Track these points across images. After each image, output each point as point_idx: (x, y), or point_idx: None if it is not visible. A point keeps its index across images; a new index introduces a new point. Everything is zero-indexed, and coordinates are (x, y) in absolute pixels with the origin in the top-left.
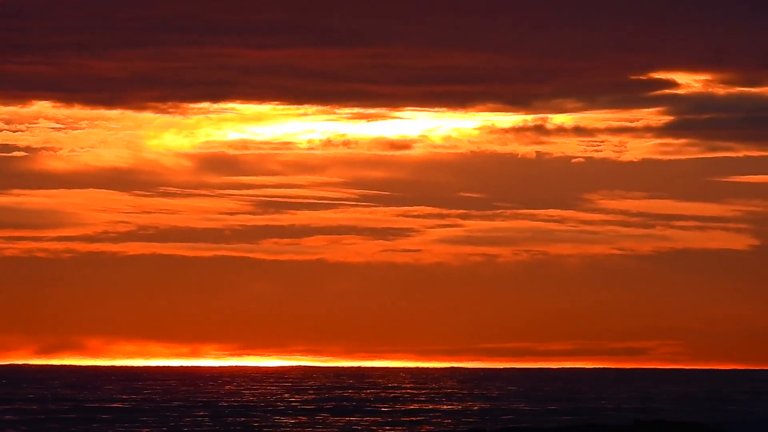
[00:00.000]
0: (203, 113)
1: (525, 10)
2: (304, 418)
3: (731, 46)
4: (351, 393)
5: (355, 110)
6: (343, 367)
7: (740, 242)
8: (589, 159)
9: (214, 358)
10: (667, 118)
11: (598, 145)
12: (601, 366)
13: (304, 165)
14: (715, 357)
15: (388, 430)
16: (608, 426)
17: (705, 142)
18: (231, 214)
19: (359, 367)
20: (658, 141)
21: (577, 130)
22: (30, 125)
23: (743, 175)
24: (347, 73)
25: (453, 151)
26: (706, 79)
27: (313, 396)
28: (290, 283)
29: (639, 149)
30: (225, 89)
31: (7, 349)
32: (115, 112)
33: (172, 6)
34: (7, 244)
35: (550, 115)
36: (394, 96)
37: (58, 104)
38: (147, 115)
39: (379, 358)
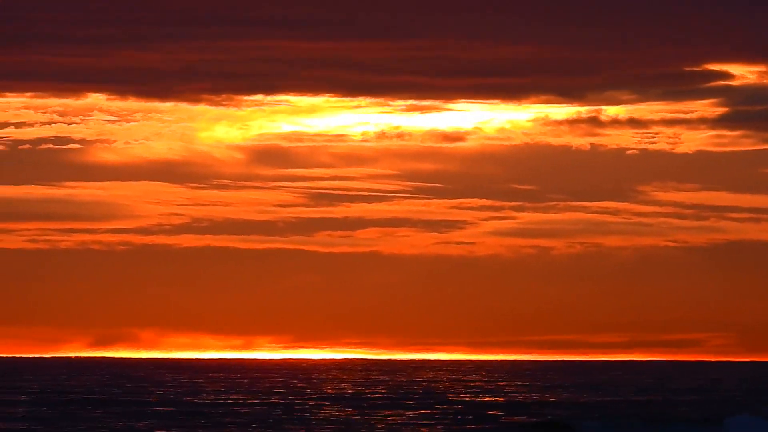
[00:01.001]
0: (257, 105)
1: (577, 1)
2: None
3: None
4: (434, 385)
5: (409, 102)
6: (395, 360)
7: None
8: (643, 151)
9: (267, 350)
10: (722, 110)
11: (653, 137)
12: (653, 358)
13: (357, 157)
14: None
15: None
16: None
17: (759, 133)
18: (285, 206)
19: (412, 360)
20: (713, 133)
21: (631, 122)
22: (84, 117)
23: None
24: (401, 65)
25: (506, 143)
26: (760, 71)
27: (396, 388)
28: (344, 275)
29: (693, 141)
30: (278, 81)
31: (62, 341)
32: (168, 105)
33: None
34: (61, 236)
35: (604, 107)
36: (447, 88)
37: (112, 96)
38: (201, 108)
39: (432, 350)
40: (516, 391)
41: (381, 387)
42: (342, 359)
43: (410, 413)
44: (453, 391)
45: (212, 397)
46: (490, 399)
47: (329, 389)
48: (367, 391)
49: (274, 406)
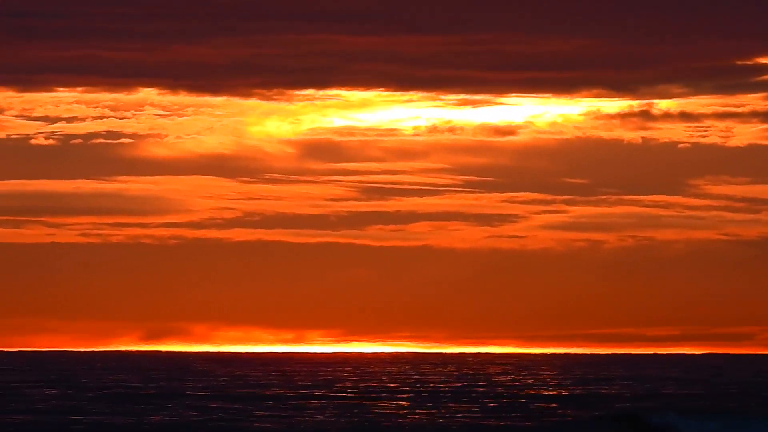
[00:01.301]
0: (308, 100)
1: None
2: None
3: None
4: (505, 379)
5: (461, 96)
6: (446, 354)
7: None
8: (695, 144)
9: (318, 344)
10: None
11: (704, 131)
12: (705, 351)
13: (409, 151)
14: None
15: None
16: None
17: None
18: (336, 200)
19: (463, 354)
20: (765, 126)
21: (683, 116)
22: (136, 112)
23: None
24: (452, 59)
25: (558, 136)
26: None
27: (468, 381)
28: (395, 269)
29: (745, 134)
30: (329, 76)
31: (113, 335)
32: (220, 99)
33: None
34: (113, 230)
35: (655, 101)
36: (499, 82)
37: (163, 91)
38: (252, 102)
39: (483, 344)
40: (579, 383)
41: (451, 380)
42: (393, 353)
43: (490, 405)
44: (521, 384)
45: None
46: (563, 393)
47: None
48: (445, 386)
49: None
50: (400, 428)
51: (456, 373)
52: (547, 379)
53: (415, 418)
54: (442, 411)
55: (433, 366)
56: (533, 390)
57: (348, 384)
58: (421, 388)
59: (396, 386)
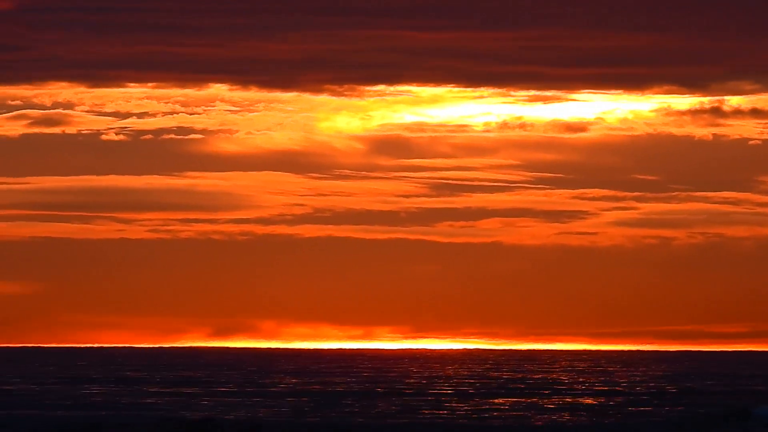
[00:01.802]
0: (379, 96)
1: None
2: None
3: None
4: (591, 376)
5: (531, 93)
6: (515, 350)
7: None
8: (765, 141)
9: (386, 340)
10: None
11: None
12: None
13: (479, 147)
14: None
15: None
16: None
17: None
18: (406, 196)
19: (532, 350)
20: None
21: (753, 112)
22: (207, 108)
23: None
24: (523, 55)
25: (629, 133)
26: None
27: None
28: (465, 265)
29: None
30: (400, 72)
31: (183, 331)
32: (290, 95)
33: None
34: (182, 226)
35: (726, 97)
36: (570, 78)
37: (234, 87)
38: (322, 98)
39: (552, 341)
40: (669, 380)
41: (535, 377)
42: (461, 349)
43: (593, 402)
44: (610, 380)
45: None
46: (668, 389)
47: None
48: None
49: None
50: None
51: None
52: (637, 377)
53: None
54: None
55: (530, 363)
56: (638, 387)
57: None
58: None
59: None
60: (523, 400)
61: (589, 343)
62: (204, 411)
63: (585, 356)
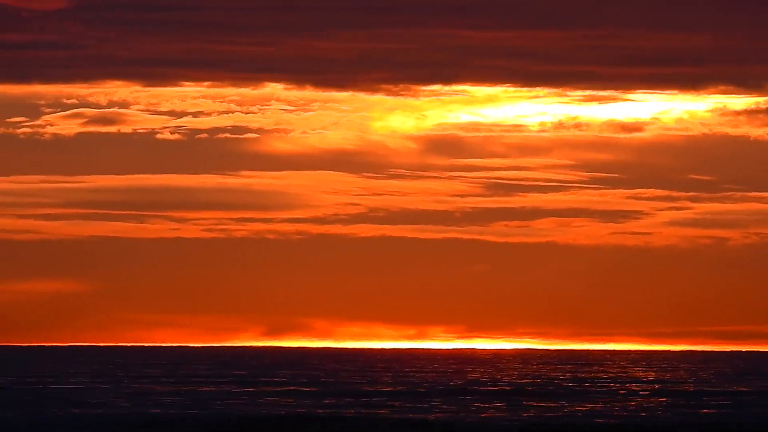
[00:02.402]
0: (434, 95)
1: None
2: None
3: None
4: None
5: (587, 92)
6: (569, 350)
7: None
8: None
9: (440, 340)
10: None
11: None
12: None
13: (533, 147)
14: None
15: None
16: None
17: None
18: (461, 196)
19: (587, 350)
20: None
21: None
22: (262, 107)
23: None
24: (579, 55)
25: (684, 133)
26: None
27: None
28: (519, 265)
29: None
30: (455, 71)
31: (236, 330)
32: (345, 94)
33: None
34: (237, 225)
35: None
36: (625, 78)
37: (289, 86)
38: (377, 97)
39: (606, 341)
40: (740, 380)
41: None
42: (515, 349)
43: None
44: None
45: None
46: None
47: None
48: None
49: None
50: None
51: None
52: (705, 377)
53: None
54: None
55: (590, 363)
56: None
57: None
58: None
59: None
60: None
61: (643, 343)
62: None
63: (638, 355)
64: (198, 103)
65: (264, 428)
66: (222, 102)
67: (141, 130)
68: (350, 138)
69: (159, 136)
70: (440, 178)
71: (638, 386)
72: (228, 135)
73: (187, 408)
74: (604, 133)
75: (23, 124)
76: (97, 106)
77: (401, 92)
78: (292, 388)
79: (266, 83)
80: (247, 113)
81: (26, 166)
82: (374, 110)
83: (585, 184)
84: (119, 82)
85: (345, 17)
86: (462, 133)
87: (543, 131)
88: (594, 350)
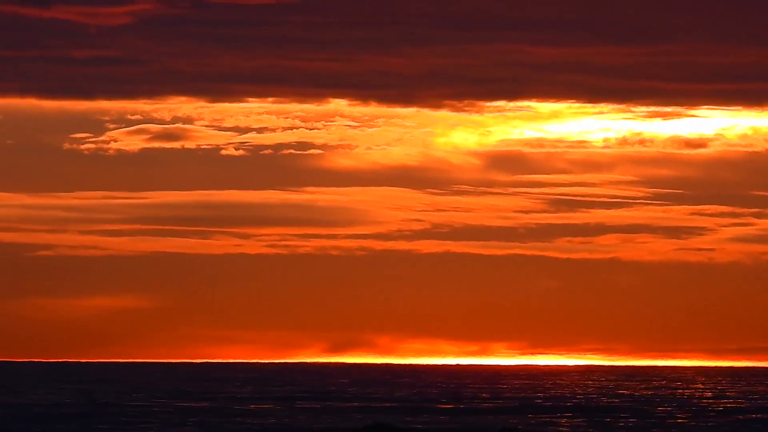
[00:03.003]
0: (498, 111)
1: None
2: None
3: None
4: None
5: (651, 109)
6: (632, 366)
7: None
8: None
9: (502, 356)
10: None
11: None
12: None
13: (597, 163)
14: None
15: None
16: None
17: None
18: (525, 212)
19: (649, 366)
20: None
21: None
22: (326, 123)
23: None
24: (643, 70)
25: (748, 149)
26: None
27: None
28: (583, 281)
29: None
30: (522, 87)
31: (299, 346)
32: (410, 110)
33: (464, 2)
34: (301, 241)
35: None
36: (690, 94)
37: (354, 102)
38: (441, 113)
39: (670, 357)
40: None
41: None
42: (578, 366)
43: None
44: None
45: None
46: None
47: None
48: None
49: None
50: None
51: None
52: None
53: None
54: None
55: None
56: None
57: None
58: None
59: None
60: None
61: (709, 359)
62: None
63: (689, 372)
64: (262, 119)
65: None
66: (286, 118)
67: (205, 146)
68: (413, 154)
69: (223, 152)
70: (504, 194)
71: (735, 404)
72: (292, 151)
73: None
74: (668, 149)
75: (87, 140)
76: (161, 121)
77: (465, 108)
78: (444, 405)
79: (330, 99)
80: (311, 129)
81: (90, 182)
82: (438, 126)
83: (649, 200)
84: (183, 98)
85: (411, 33)
86: (526, 149)
87: (607, 147)
88: (657, 366)
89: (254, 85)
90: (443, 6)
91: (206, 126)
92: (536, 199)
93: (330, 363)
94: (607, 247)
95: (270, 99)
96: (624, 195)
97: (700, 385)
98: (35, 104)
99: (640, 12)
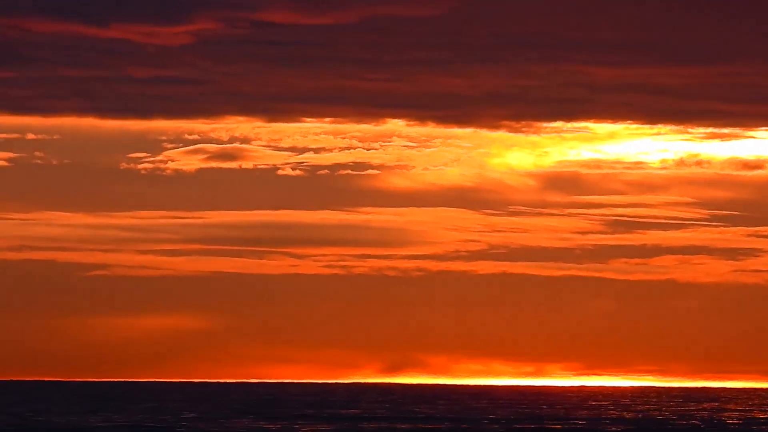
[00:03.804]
0: (556, 132)
1: None
2: None
3: None
4: None
5: (709, 130)
6: (689, 388)
7: None
8: None
9: (558, 377)
10: None
11: None
12: None
13: (653, 185)
14: None
15: None
16: None
17: None
18: (581, 233)
19: (706, 388)
20: None
21: None
22: (384, 143)
23: None
24: (701, 91)
25: None
26: None
27: None
28: (639, 302)
29: None
30: (577, 107)
31: (354, 366)
32: (467, 131)
33: (522, 23)
34: (357, 262)
35: None
36: (748, 115)
37: (411, 122)
38: (499, 134)
39: (726, 378)
40: None
41: None
42: (634, 387)
43: None
44: None
45: None
46: None
47: None
48: None
49: None
50: None
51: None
52: None
53: None
54: None
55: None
56: None
57: None
58: None
59: None
60: None
61: (763, 380)
62: None
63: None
64: (319, 138)
65: None
66: (344, 138)
67: (262, 166)
68: (469, 175)
69: (280, 171)
70: (560, 215)
71: None
72: (349, 171)
73: None
74: (726, 170)
75: (145, 159)
76: (219, 141)
77: (523, 129)
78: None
79: (388, 119)
80: (368, 149)
81: (147, 201)
82: (494, 146)
83: (705, 221)
84: (241, 118)
85: (470, 54)
86: (583, 170)
87: (664, 168)
88: (713, 387)
89: (312, 104)
90: (503, 27)
91: (263, 146)
92: (593, 220)
93: (387, 383)
94: (663, 269)
95: (327, 119)
96: (681, 216)
97: None
98: (93, 124)
99: (700, 33)
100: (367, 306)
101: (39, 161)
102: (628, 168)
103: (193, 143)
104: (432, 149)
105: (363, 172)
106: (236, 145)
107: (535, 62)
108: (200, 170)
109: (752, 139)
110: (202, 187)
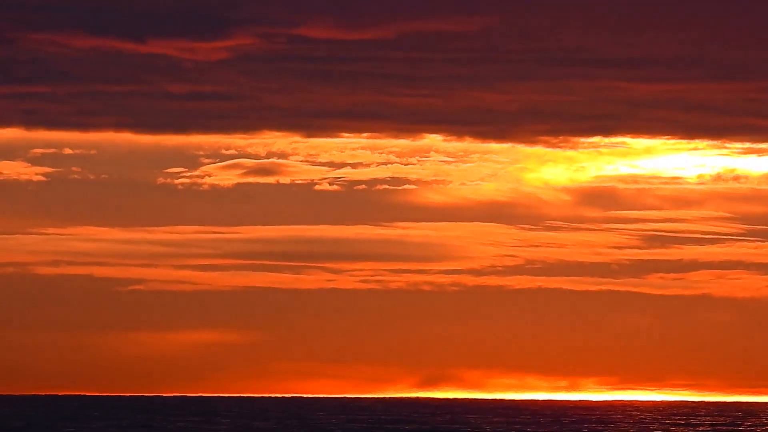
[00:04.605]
0: (593, 147)
1: None
2: None
3: None
4: None
5: (746, 145)
6: (725, 402)
7: None
8: None
9: (592, 391)
10: None
11: None
12: None
13: (690, 200)
14: None
15: None
16: None
17: None
18: (618, 248)
19: (742, 402)
20: None
21: None
22: (421, 159)
23: None
24: (739, 106)
25: None
26: None
27: None
28: (674, 317)
29: None
30: (614, 123)
31: (388, 381)
32: (505, 146)
33: (560, 38)
34: (393, 276)
35: None
36: None
37: (449, 137)
38: (538, 149)
39: (763, 393)
40: None
41: None
42: (669, 401)
43: None
44: None
45: None
46: None
47: None
48: None
49: None
50: None
51: None
52: None
53: None
54: None
55: None
56: None
57: None
58: None
59: None
60: None
61: None
62: None
63: None
64: (357, 154)
65: None
66: (381, 153)
67: (299, 181)
68: (504, 190)
69: (317, 187)
70: (596, 230)
71: None
72: (386, 186)
73: None
74: (762, 185)
75: (182, 174)
76: (256, 156)
77: (560, 144)
78: None
79: (425, 135)
80: (405, 164)
81: (184, 216)
82: (530, 161)
83: (742, 236)
84: (278, 133)
85: (508, 69)
86: (619, 185)
87: (701, 183)
88: (749, 402)
89: (349, 120)
90: (540, 42)
91: (301, 161)
92: (629, 235)
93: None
94: (699, 284)
95: (365, 134)
96: (717, 231)
97: None
98: (130, 139)
99: (738, 49)
100: (403, 320)
101: (76, 176)
102: (665, 183)
103: (230, 158)
104: (469, 164)
105: (400, 187)
106: (273, 160)
107: (573, 78)
108: (237, 185)
109: None
110: (239, 202)
